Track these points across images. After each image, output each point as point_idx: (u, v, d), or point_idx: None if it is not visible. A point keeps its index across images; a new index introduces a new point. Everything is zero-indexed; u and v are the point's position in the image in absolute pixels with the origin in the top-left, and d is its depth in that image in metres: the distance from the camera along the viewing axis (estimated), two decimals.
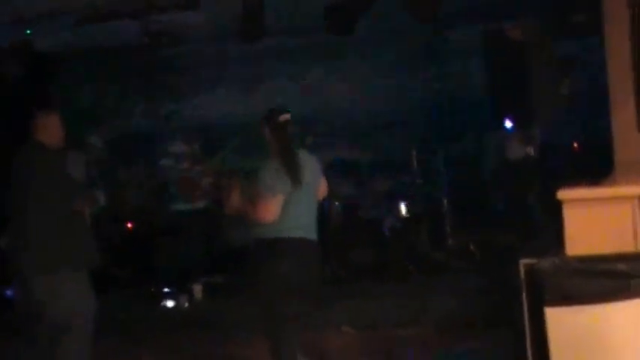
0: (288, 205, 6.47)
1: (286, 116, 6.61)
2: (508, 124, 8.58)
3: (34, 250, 6.69)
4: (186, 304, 9.98)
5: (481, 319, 8.23)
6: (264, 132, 6.58)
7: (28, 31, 10.61)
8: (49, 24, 10.55)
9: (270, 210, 6.36)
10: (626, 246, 5.46)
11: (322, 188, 6.85)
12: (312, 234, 6.62)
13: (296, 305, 6.53)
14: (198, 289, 10.08)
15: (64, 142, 6.91)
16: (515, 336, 6.33)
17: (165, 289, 10.23)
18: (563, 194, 5.60)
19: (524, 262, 5.51)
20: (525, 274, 5.52)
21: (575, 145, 9.93)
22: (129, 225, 10.22)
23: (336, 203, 10.50)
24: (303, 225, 6.58)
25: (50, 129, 6.83)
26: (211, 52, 12.76)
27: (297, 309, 6.55)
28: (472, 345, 7.93)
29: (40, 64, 12.16)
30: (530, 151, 9.23)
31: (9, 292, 10.49)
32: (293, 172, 6.47)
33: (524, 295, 5.54)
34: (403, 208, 10.13)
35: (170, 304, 10.01)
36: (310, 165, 6.67)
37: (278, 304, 6.45)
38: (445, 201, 10.14)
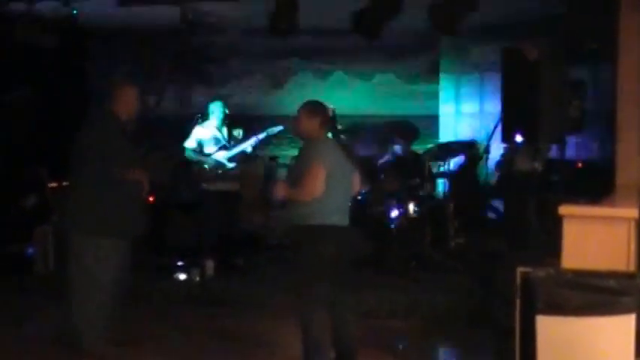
0: (340, 193, 6.54)
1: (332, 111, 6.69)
2: (518, 138, 8.55)
3: (74, 209, 6.90)
4: (198, 279, 9.97)
5: (470, 316, 8.31)
6: (310, 124, 6.58)
7: (75, 11, 10.60)
8: (94, 2, 10.54)
9: (319, 186, 6.34)
10: (620, 264, 5.50)
11: (357, 182, 6.86)
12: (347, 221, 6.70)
13: (334, 289, 6.58)
14: (210, 265, 10.06)
15: (134, 115, 6.98)
16: (498, 336, 6.37)
17: (179, 262, 10.22)
18: (564, 209, 5.63)
19: (520, 269, 5.54)
20: (521, 281, 5.54)
21: (579, 164, 9.91)
22: (150, 198, 10.20)
23: None
24: (345, 212, 6.67)
25: (126, 100, 6.91)
26: (243, 44, 12.77)
27: (334, 293, 6.60)
28: (458, 340, 8.10)
29: (80, 39, 12.23)
30: (537, 165, 9.22)
31: (30, 251, 10.60)
32: (349, 167, 6.62)
33: (517, 301, 5.56)
34: (411, 208, 10.12)
35: (182, 277, 10.01)
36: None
37: (323, 287, 6.46)
38: (451, 205, 10.13)
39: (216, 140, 10.36)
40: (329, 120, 6.72)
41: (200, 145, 10.36)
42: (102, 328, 6.85)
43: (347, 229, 6.67)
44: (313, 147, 6.55)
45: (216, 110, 10.42)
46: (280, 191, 6.56)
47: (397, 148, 10.80)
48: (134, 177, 6.80)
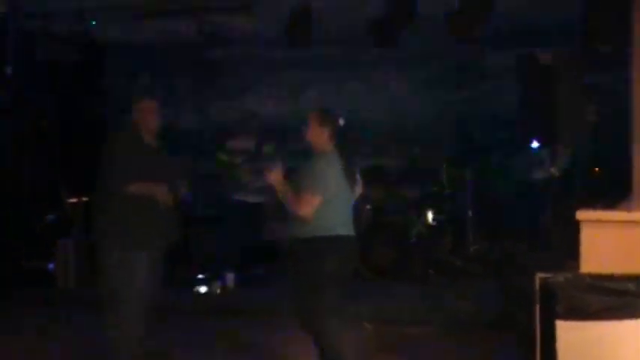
0: (343, 204, 6.59)
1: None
2: (535, 144, 8.61)
3: (98, 223, 6.95)
4: (218, 291, 10.04)
5: (491, 322, 8.34)
6: (319, 134, 6.54)
7: (94, 22, 10.72)
8: (110, 17, 10.64)
9: (312, 210, 6.36)
10: (637, 267, 5.51)
11: (359, 189, 6.89)
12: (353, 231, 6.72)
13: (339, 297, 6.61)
14: (230, 277, 10.13)
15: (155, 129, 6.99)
16: (521, 341, 6.39)
17: (199, 275, 10.30)
18: (581, 215, 5.66)
19: (539, 275, 5.55)
20: (540, 287, 5.57)
21: (597, 169, 9.92)
22: None
23: (368, 207, 10.54)
24: (350, 222, 6.68)
25: (147, 115, 6.93)
26: (259, 56, 12.83)
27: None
28: (479, 346, 7.99)
29: (98, 54, 12.34)
30: (554, 171, 9.26)
31: (52, 266, 10.73)
32: (351, 178, 6.62)
33: (537, 306, 5.60)
34: (430, 216, 10.17)
35: (203, 289, 10.09)
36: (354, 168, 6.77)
37: (331, 298, 6.47)
38: (469, 212, 10.17)
39: (244, 152, 10.43)
40: (338, 131, 6.62)
41: (230, 155, 10.44)
42: (135, 341, 6.87)
43: (352, 238, 6.67)
44: (318, 164, 6.51)
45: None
46: (273, 177, 6.47)
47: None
48: (149, 191, 6.84)
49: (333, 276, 6.45)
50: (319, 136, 6.55)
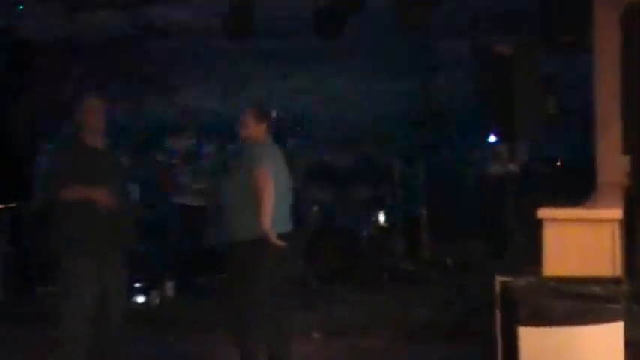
0: (279, 198, 6.79)
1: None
2: (492, 138, 8.54)
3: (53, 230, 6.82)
4: (157, 301, 9.86)
5: (449, 330, 8.25)
6: (257, 130, 6.95)
7: (21, 7, 10.44)
8: (38, 11, 10.41)
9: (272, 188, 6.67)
10: (604, 269, 5.50)
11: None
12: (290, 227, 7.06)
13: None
14: (170, 286, 9.96)
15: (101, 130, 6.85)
16: (481, 350, 6.33)
17: (137, 284, 10.10)
18: (543, 213, 5.62)
19: (499, 278, 5.54)
20: (500, 291, 5.53)
21: (558, 163, 9.92)
22: None
23: (315, 208, 10.44)
24: (287, 217, 7.03)
25: (90, 115, 6.77)
26: (197, 48, 12.71)
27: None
28: (436, 356, 7.96)
29: (26, 51, 12.07)
30: (512, 166, 9.19)
31: None
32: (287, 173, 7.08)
33: (497, 312, 5.54)
34: (381, 217, 10.11)
35: (141, 299, 9.89)
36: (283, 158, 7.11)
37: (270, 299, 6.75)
38: (424, 212, 10.10)
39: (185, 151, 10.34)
40: (273, 125, 7.20)
41: (170, 155, 10.32)
42: (76, 353, 6.67)
43: (290, 235, 6.94)
44: (259, 151, 6.88)
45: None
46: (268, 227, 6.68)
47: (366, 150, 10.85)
48: (85, 195, 6.64)
49: (268, 276, 6.71)
50: (258, 131, 6.99)
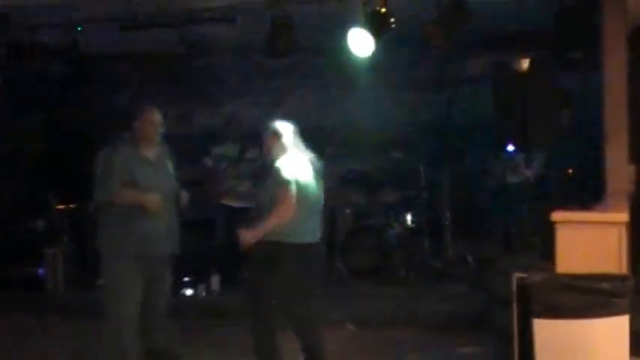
0: (307, 209, 6.60)
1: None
2: (510, 148, 8.60)
3: (97, 233, 6.76)
4: (204, 294, 9.94)
5: (470, 324, 8.33)
6: (277, 144, 6.72)
7: (79, 28, 10.54)
8: (96, 29, 10.52)
9: (292, 205, 6.44)
10: (612, 267, 5.53)
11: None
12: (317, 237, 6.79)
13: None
14: (216, 280, 10.05)
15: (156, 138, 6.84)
16: (499, 341, 6.38)
17: (185, 278, 10.20)
18: (556, 216, 5.66)
19: (516, 275, 5.56)
20: (517, 287, 5.57)
21: (571, 172, 9.90)
22: None
23: (347, 210, 10.48)
24: (314, 229, 6.74)
25: (146, 126, 6.77)
26: (242, 64, 12.77)
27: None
28: (459, 346, 8.05)
29: (86, 65, 12.25)
30: (529, 174, 9.23)
31: (41, 272, 10.63)
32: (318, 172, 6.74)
33: (514, 305, 5.58)
34: (408, 219, 10.13)
35: (189, 292, 9.98)
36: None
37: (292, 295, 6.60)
38: (448, 215, 10.11)
39: (229, 158, 10.34)
40: (293, 137, 6.80)
41: (216, 162, 10.36)
42: (130, 355, 6.62)
43: (319, 245, 6.77)
44: (282, 166, 6.60)
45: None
46: (248, 237, 6.57)
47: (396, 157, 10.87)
48: (138, 200, 6.67)
49: (287, 274, 6.52)
50: (278, 147, 6.73)
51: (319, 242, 6.76)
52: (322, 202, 6.84)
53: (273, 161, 6.68)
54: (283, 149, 6.71)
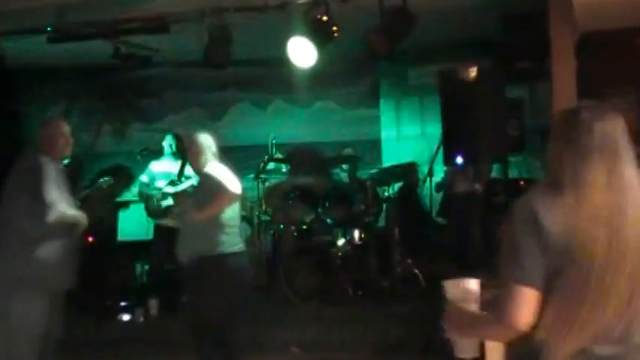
0: (230, 217, 6.91)
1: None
2: (459, 159, 8.61)
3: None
4: (142, 319, 9.85)
5: (421, 344, 8.24)
6: (204, 156, 7.07)
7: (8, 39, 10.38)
8: (22, 40, 10.38)
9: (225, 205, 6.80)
10: None
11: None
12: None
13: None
14: (154, 304, 9.95)
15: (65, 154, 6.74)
16: None
17: (122, 303, 10.09)
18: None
19: None
20: None
21: (522, 183, 9.94)
22: (90, 239, 10.07)
23: (291, 228, 10.43)
24: (239, 236, 7.13)
25: (55, 139, 6.62)
26: (178, 76, 12.72)
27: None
28: None
29: (12, 79, 12.06)
30: (477, 186, 9.24)
31: None
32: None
33: None
34: (356, 236, 10.08)
35: (126, 317, 9.88)
36: None
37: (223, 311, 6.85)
38: (396, 231, 10.06)
39: (167, 175, 10.23)
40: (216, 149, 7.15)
41: (152, 179, 10.24)
42: None
43: (244, 254, 7.12)
44: (211, 170, 6.97)
45: (166, 144, 10.42)
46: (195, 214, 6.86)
47: (340, 174, 10.87)
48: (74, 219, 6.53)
49: (221, 293, 6.76)
50: (204, 158, 7.08)
51: (245, 251, 7.12)
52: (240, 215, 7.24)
53: (200, 170, 7.08)
54: (209, 158, 7.06)
